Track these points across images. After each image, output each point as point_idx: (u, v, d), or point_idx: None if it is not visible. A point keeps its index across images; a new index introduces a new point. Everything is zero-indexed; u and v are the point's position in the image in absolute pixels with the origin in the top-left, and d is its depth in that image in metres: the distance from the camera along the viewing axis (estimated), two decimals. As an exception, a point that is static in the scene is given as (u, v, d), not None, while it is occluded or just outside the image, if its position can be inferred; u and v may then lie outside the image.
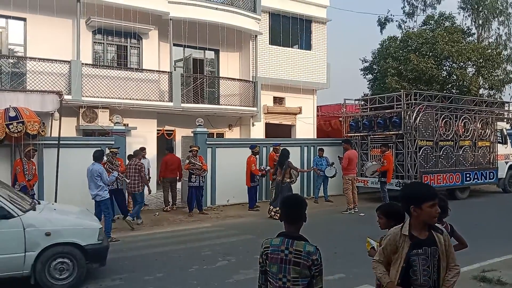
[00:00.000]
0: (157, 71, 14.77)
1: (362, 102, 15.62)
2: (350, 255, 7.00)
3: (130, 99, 13.81)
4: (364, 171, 12.89)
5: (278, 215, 9.29)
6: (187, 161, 11.13)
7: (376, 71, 29.39)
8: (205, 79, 15.95)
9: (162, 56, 15.39)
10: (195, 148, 11.15)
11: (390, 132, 13.26)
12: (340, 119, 16.26)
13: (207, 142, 12.26)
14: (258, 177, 11.95)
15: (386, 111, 13.76)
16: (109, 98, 13.42)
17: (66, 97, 12.13)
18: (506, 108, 16.77)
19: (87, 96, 13.11)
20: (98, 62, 14.57)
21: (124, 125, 12.21)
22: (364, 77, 31.07)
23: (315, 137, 18.23)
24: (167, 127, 15.58)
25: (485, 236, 8.64)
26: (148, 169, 11.83)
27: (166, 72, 14.91)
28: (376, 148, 13.59)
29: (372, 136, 14.04)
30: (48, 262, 5.51)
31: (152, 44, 15.28)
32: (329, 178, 13.12)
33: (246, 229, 9.25)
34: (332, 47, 28.05)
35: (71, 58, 13.31)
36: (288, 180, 10.54)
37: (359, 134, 14.45)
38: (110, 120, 12.99)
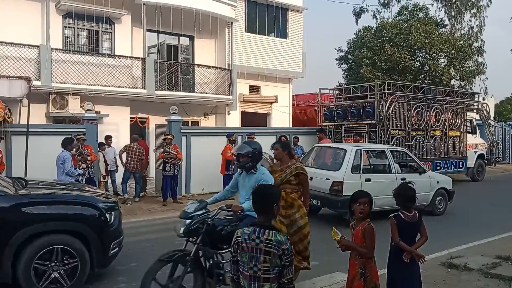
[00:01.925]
0: (130, 57, 14.46)
1: (337, 92, 15.75)
2: (323, 243, 7.07)
3: (102, 85, 13.50)
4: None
5: None
6: (162, 149, 10.99)
7: (351, 60, 29.64)
8: (179, 66, 15.72)
9: (135, 42, 15.06)
10: (169, 137, 11.01)
11: (364, 122, 13.44)
12: (315, 108, 16.36)
13: (182, 131, 12.12)
14: (232, 165, 11.92)
15: (360, 101, 13.92)
16: (80, 84, 13.09)
17: (35, 83, 11.78)
18: (476, 99, 17.20)
19: (57, 82, 12.74)
20: (69, 47, 14.14)
21: (96, 112, 11.92)
22: (339, 67, 31.30)
23: (291, 126, 18.30)
24: (141, 115, 15.32)
25: (454, 223, 8.91)
26: (115, 157, 11.66)
27: (139, 58, 14.61)
28: (350, 137, 13.74)
29: (346, 126, 14.19)
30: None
31: (125, 30, 14.92)
32: (303, 167, 13.21)
33: (221, 218, 9.22)
34: (308, 36, 28.07)
35: (40, 42, 12.88)
36: None
37: (333, 123, 14.59)
38: (81, 107, 12.67)
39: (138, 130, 14.84)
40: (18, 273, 4.69)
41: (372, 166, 9.50)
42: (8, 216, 4.73)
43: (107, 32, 14.86)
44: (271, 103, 18.52)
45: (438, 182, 9.82)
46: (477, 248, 6.86)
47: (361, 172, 8.82)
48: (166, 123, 12.16)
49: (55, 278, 4.82)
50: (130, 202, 11.13)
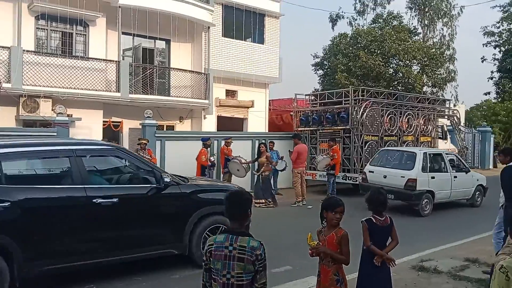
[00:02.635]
0: (104, 60, 14.24)
1: (312, 97, 15.90)
2: (297, 247, 7.10)
3: (75, 88, 13.25)
4: (315, 165, 13.08)
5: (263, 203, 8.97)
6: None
7: (326, 67, 30.05)
8: (155, 70, 15.59)
9: (110, 44, 14.85)
10: (144, 141, 10.88)
11: (338, 127, 13.61)
12: (291, 113, 16.47)
13: (156, 135, 12.00)
14: (207, 169, 11.87)
15: (335, 106, 14.10)
16: (52, 87, 12.80)
17: (5, 85, 11.49)
18: (447, 106, 17.66)
19: (28, 85, 12.43)
20: (41, 49, 13.84)
21: (68, 115, 11.73)
22: (315, 73, 31.71)
23: (267, 130, 18.35)
24: (114, 119, 15.07)
25: (425, 227, 9.09)
26: None
27: (113, 61, 14.41)
28: (325, 142, 13.89)
29: (321, 131, 14.34)
30: None
31: (100, 32, 14.70)
32: (279, 172, 13.27)
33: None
34: (285, 42, 28.38)
35: (12, 44, 12.55)
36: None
37: (309, 128, 14.72)
38: (52, 110, 12.41)
39: (111, 134, 14.61)
40: (192, 246, 5.85)
41: (434, 166, 10.89)
42: (189, 200, 5.91)
43: (81, 34, 14.61)
44: (248, 107, 18.55)
45: (477, 180, 11.88)
46: (447, 251, 7.01)
47: (428, 171, 10.52)
48: (140, 127, 12.01)
49: None
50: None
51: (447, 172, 11.02)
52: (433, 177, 10.52)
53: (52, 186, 5.20)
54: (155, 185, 5.67)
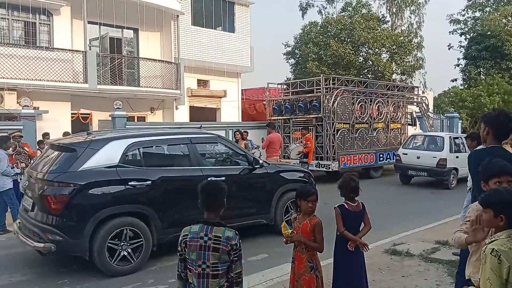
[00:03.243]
0: (70, 50, 13.83)
1: (285, 86, 15.91)
2: (273, 235, 7.13)
3: (40, 80, 12.81)
4: (288, 153, 13.12)
5: None
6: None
7: (298, 55, 30.10)
8: (123, 60, 15.22)
9: (76, 34, 14.42)
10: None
11: (310, 116, 13.68)
12: (264, 102, 16.45)
13: (127, 126, 11.76)
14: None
15: (307, 95, 14.16)
16: (16, 79, 12.35)
17: (-36, 77, 10.97)
18: (416, 93, 18.00)
19: (-10, 77, 11.94)
20: (3, 40, 13.29)
21: (34, 108, 11.34)
22: (287, 62, 31.71)
23: (240, 120, 18.30)
24: (83, 110, 14.69)
25: (397, 212, 9.29)
26: None
27: (80, 51, 14.00)
28: (298, 131, 13.95)
29: (294, 119, 14.39)
30: None
31: (64, 21, 14.23)
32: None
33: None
34: (256, 30, 28.14)
35: (-30, 34, 12.01)
36: None
37: (282, 117, 14.75)
38: (18, 103, 11.97)
39: (80, 126, 14.24)
40: (277, 217, 7.10)
41: (456, 147, 12.62)
42: (274, 178, 7.19)
43: (45, 24, 14.10)
44: (220, 97, 18.42)
45: None
46: (418, 235, 7.18)
47: (453, 152, 12.42)
48: (110, 118, 11.74)
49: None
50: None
51: (465, 152, 12.05)
52: (457, 157, 12.31)
53: (177, 167, 6.33)
54: (248, 167, 6.87)
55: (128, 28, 15.88)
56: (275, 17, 63.44)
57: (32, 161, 9.16)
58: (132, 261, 5.56)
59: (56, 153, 5.82)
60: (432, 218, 8.35)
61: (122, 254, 5.49)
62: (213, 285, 2.69)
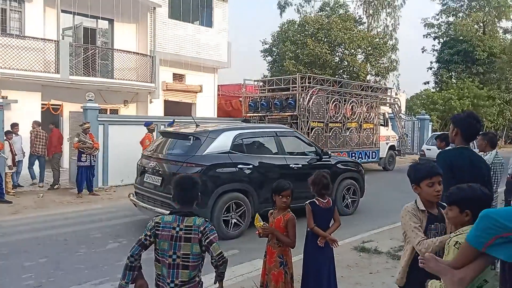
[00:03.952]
0: (42, 39, 13.43)
1: (261, 83, 15.92)
2: (245, 231, 7.15)
3: (10, 68, 12.41)
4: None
5: None
6: (77, 139, 10.37)
7: (275, 53, 30.17)
8: (97, 51, 14.90)
9: (48, 23, 14.01)
10: (87, 125, 10.45)
11: (286, 113, 13.75)
12: (240, 99, 16.42)
13: (99, 119, 11.52)
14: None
15: (283, 93, 14.22)
16: (-17, 66, 11.91)
17: None
18: (389, 94, 18.32)
19: (-45, 64, 11.48)
20: (-30, 25, 12.80)
21: (2, 97, 10.98)
22: (264, 59, 31.72)
23: (216, 116, 18.20)
24: (54, 101, 14.30)
25: (367, 209, 9.42)
26: (22, 147, 11.07)
27: (52, 40, 13.61)
28: (273, 128, 13.98)
29: (270, 117, 14.43)
30: None
31: (37, 9, 13.80)
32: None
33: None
34: (234, 26, 28.02)
35: None
36: None
37: (257, 114, 14.76)
38: (-16, 91, 11.55)
39: (50, 117, 13.88)
40: (337, 201, 8.08)
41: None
42: (335, 167, 8.43)
43: (16, 11, 13.65)
44: (196, 92, 18.27)
45: None
46: (387, 233, 7.32)
47: (474, 148, 13.60)
48: (82, 110, 11.48)
49: (347, 200, 8.79)
50: (41, 194, 10.41)
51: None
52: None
53: (268, 155, 7.69)
54: (316, 157, 8.27)
55: (103, 18, 15.54)
56: (253, 14, 63.40)
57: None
58: (241, 225, 6.99)
59: (180, 140, 7.34)
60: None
61: (233, 222, 6.91)
62: (183, 276, 2.69)
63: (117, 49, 15.58)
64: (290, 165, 7.69)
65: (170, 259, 2.68)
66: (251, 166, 7.15)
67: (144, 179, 7.32)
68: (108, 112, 15.43)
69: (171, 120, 12.51)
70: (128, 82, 15.30)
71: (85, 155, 10.33)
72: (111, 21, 16.12)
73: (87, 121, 10.75)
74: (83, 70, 14.18)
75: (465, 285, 1.95)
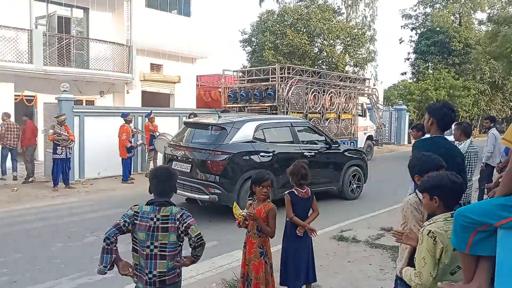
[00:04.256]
0: (14, 28, 12.96)
1: (240, 74, 15.83)
2: (224, 222, 7.14)
3: (-20, 58, 11.99)
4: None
5: None
6: (52, 131, 10.14)
7: (254, 43, 30.01)
8: (72, 40, 14.52)
9: (21, 11, 13.55)
10: (63, 117, 10.22)
11: (265, 104, 13.72)
12: (220, 90, 16.31)
13: (74, 110, 11.28)
14: (132, 148, 11.44)
15: (262, 83, 14.17)
16: (-49, 56, 11.47)
17: None
18: (367, 84, 18.49)
19: None
20: None
21: (-28, 88, 10.62)
22: (244, 49, 31.53)
23: (195, 107, 18.03)
24: (27, 92, 13.91)
25: (345, 202, 9.52)
26: None
27: (25, 29, 13.19)
28: (252, 119, 13.95)
29: (249, 107, 14.38)
30: None
31: (7, -3, 13.34)
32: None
33: (118, 202, 8.82)
34: (213, 16, 27.59)
35: None
36: None
37: (237, 105, 14.69)
38: (-47, 82, 11.15)
39: (24, 108, 13.51)
40: (344, 186, 9.25)
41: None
42: (343, 155, 9.30)
43: (-16, -2, 13.16)
44: (174, 83, 18.05)
45: None
46: (365, 221, 7.43)
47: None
48: (56, 101, 11.21)
49: (353, 186, 9.53)
50: (15, 188, 10.16)
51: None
52: None
53: (285, 144, 8.31)
54: (326, 146, 8.93)
55: (77, 7, 15.14)
56: (232, 3, 62.83)
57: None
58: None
59: (206, 130, 8.00)
60: (379, 206, 8.67)
61: None
62: (161, 266, 2.72)
63: (93, 39, 15.22)
64: (304, 153, 8.32)
65: (147, 249, 2.70)
66: (271, 153, 7.78)
67: (172, 166, 7.60)
68: (84, 103, 15.12)
69: (149, 111, 12.39)
70: (104, 72, 14.99)
71: (60, 147, 10.11)
72: (86, 10, 15.72)
73: (62, 113, 10.52)
74: (58, 60, 13.82)
75: None
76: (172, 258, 2.74)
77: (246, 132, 7.71)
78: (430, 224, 2.34)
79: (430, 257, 2.27)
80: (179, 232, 2.70)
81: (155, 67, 17.65)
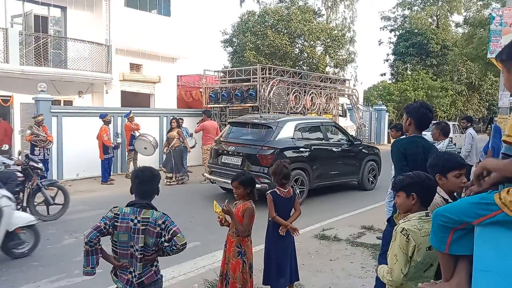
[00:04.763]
0: (-12, 26, 12.69)
1: (222, 74, 15.78)
2: (206, 223, 7.11)
3: (-47, 57, 11.66)
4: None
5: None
6: (29, 131, 9.93)
7: (236, 44, 29.99)
8: (49, 39, 14.25)
9: (-5, 9, 13.25)
10: (41, 117, 10.02)
11: (247, 104, 13.72)
12: (201, 90, 16.23)
13: (52, 110, 11.08)
14: (111, 149, 11.29)
15: (244, 84, 14.16)
16: None
17: None
18: (347, 85, 18.68)
19: None
20: None
21: None
22: (225, 49, 31.47)
23: (176, 107, 17.90)
24: (3, 92, 13.57)
25: (326, 198, 9.61)
26: None
27: (0, 28, 12.89)
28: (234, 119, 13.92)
29: (231, 108, 14.36)
30: None
31: (-18, -6, 13.02)
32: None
33: (98, 204, 8.69)
34: (193, 16, 27.60)
35: None
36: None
37: (218, 105, 14.64)
38: None
39: (0, 109, 13.20)
40: (364, 179, 10.39)
41: None
42: (362, 151, 10.39)
43: (-42, -5, 12.82)
44: (154, 83, 17.88)
45: None
46: (346, 220, 7.50)
47: None
48: (34, 102, 10.99)
49: (370, 178, 10.65)
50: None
51: None
52: None
53: (317, 141, 9.39)
54: (348, 143, 10.10)
55: (55, 6, 14.87)
56: (213, 3, 62.65)
57: None
58: (299, 199, 7.93)
59: (253, 128, 9.17)
60: (359, 204, 8.76)
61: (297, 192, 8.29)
62: (140, 268, 2.71)
63: (71, 38, 14.96)
64: (333, 149, 9.65)
65: (132, 249, 2.69)
66: (307, 149, 8.96)
67: (222, 160, 8.92)
68: (62, 104, 14.84)
69: (128, 111, 12.25)
70: (82, 72, 14.75)
71: (38, 148, 9.92)
72: (63, 9, 15.44)
73: (40, 113, 10.31)
74: (35, 60, 13.54)
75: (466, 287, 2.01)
76: (152, 260, 2.75)
77: (287, 130, 8.85)
78: (405, 222, 2.39)
79: (402, 254, 2.29)
80: (163, 239, 2.68)
81: (134, 67, 17.46)
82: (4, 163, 6.84)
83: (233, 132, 9.35)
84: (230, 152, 8.74)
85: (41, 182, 7.23)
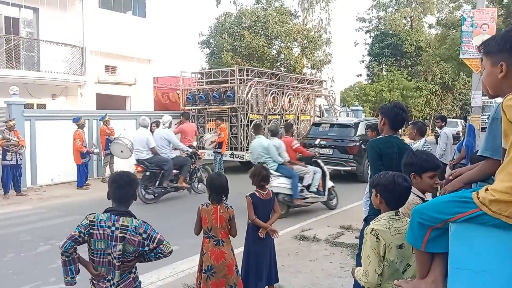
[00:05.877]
0: (-44, 28, 12.29)
1: (199, 76, 15.69)
2: (186, 226, 7.03)
3: None
4: (203, 143, 12.96)
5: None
6: (0, 136, 9.66)
7: (213, 45, 29.89)
8: (21, 41, 13.90)
9: (-37, 10, 12.84)
10: (12, 122, 9.76)
11: (225, 106, 13.68)
12: (178, 91, 16.10)
13: (25, 114, 10.80)
14: (88, 154, 11.07)
15: (221, 85, 14.11)
16: None
17: None
18: (324, 86, 18.84)
19: None
20: None
21: None
22: (202, 51, 31.32)
23: (153, 109, 17.69)
24: (-27, 96, 13.19)
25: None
26: None
27: (-31, 30, 12.52)
28: (212, 121, 13.88)
29: (209, 110, 14.29)
30: None
31: (-52, -5, 12.60)
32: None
33: (73, 209, 8.52)
34: (169, 17, 27.37)
35: None
36: None
37: (196, 107, 14.55)
38: None
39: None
40: (364, 169, 11.47)
41: None
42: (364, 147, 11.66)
43: None
44: (130, 85, 17.64)
45: None
46: (324, 221, 7.56)
47: None
48: (5, 105, 10.69)
49: None
50: (-40, 197, 9.60)
51: None
52: None
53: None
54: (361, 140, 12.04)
55: (26, 7, 14.51)
56: (189, 4, 62.28)
57: None
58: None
59: (335, 127, 12.59)
60: (337, 205, 8.82)
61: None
62: (117, 275, 2.66)
63: (44, 40, 14.63)
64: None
65: (109, 256, 2.63)
66: (358, 143, 11.78)
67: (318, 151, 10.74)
68: (35, 107, 14.50)
69: (103, 114, 12.05)
70: (56, 75, 14.44)
71: (10, 153, 9.67)
72: (36, 10, 15.08)
73: (11, 118, 10.04)
74: (6, 63, 13.19)
75: (441, 285, 2.02)
76: (130, 267, 2.70)
77: (361, 129, 11.88)
78: (374, 222, 2.41)
79: (374, 254, 2.31)
80: (146, 248, 2.63)
81: (109, 69, 17.19)
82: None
83: (319, 130, 12.77)
84: (322, 145, 11.43)
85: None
